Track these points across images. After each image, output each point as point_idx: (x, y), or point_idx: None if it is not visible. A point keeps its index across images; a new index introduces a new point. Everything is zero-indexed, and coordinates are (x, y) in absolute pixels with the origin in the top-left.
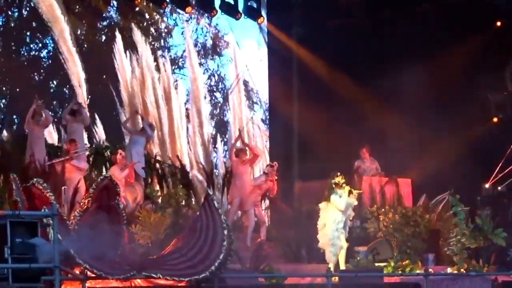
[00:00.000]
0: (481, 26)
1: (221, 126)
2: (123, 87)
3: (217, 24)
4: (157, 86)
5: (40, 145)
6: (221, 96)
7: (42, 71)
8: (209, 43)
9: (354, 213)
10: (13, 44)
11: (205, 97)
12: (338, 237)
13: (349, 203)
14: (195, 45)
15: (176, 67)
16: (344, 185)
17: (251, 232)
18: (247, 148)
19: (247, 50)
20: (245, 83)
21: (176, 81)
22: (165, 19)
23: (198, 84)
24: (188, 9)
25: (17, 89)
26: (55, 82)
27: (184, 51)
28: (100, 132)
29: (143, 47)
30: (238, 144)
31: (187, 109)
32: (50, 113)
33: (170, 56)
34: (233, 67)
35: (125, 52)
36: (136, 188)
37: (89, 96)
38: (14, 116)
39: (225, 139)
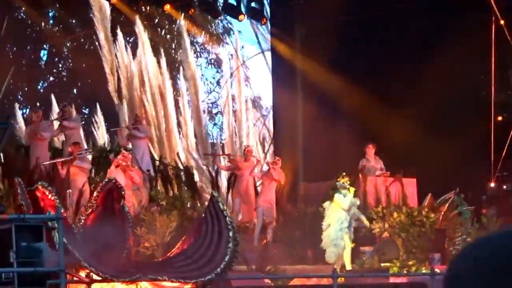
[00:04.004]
0: (485, 25)
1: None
2: (123, 84)
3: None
4: (154, 85)
5: (43, 150)
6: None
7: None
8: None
9: (358, 210)
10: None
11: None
12: (341, 237)
13: (352, 202)
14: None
15: (176, 65)
16: (348, 186)
17: (258, 232)
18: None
19: (248, 53)
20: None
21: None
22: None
23: (196, 80)
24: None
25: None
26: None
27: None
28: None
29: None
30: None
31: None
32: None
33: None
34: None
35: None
36: (141, 190)
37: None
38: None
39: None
